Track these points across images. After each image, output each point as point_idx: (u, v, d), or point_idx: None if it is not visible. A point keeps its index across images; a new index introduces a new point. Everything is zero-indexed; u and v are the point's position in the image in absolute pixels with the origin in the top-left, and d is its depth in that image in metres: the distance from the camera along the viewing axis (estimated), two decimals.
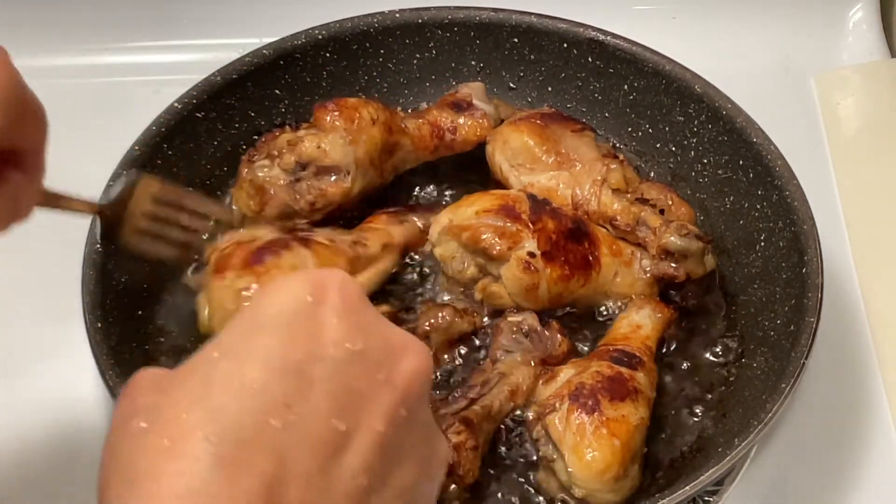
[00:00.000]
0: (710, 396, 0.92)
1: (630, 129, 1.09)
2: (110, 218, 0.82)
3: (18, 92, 0.62)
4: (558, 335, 0.90)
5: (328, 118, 0.96)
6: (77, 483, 0.92)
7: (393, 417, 0.48)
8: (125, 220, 0.84)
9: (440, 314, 0.90)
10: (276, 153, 0.97)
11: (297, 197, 0.96)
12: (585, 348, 0.93)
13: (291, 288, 0.49)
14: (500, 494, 0.85)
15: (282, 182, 0.97)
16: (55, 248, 0.93)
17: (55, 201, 0.78)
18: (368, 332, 0.50)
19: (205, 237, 0.89)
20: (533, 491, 0.85)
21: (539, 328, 0.90)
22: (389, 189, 1.03)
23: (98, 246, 0.90)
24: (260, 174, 0.97)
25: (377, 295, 0.95)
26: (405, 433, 0.49)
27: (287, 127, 1.02)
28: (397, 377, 0.50)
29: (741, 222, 0.99)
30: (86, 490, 0.92)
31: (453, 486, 0.79)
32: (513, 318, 0.91)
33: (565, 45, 1.07)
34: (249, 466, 0.43)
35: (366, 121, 0.97)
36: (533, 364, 0.89)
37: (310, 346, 0.48)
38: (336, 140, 0.96)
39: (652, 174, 1.07)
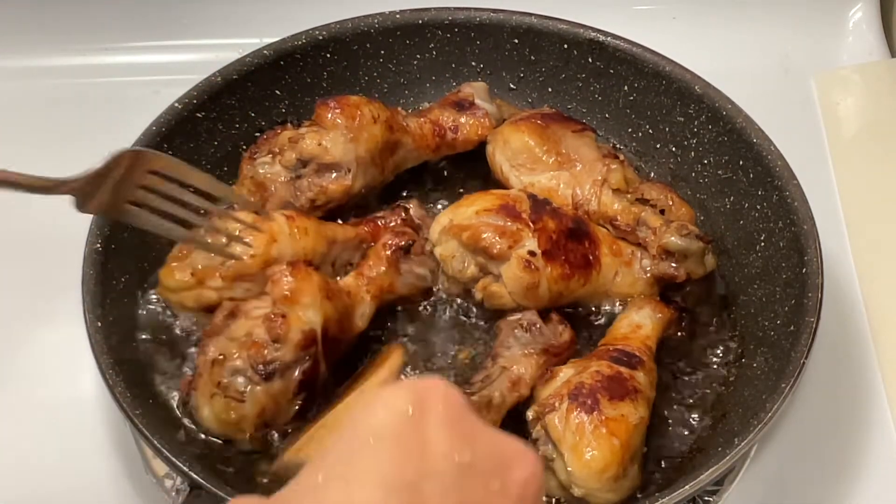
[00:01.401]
0: (710, 396, 0.92)
1: (630, 130, 1.09)
2: (86, 193, 0.77)
3: None
4: (559, 325, 0.90)
5: (330, 116, 0.96)
6: (77, 482, 0.93)
7: None
8: (109, 193, 0.79)
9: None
10: (277, 150, 0.97)
11: (298, 194, 0.96)
12: (584, 348, 0.93)
13: (392, 401, 0.48)
14: None
15: (283, 179, 0.97)
16: (55, 249, 0.94)
17: (19, 185, 0.73)
18: (476, 442, 0.49)
19: (203, 214, 0.85)
20: None
21: (539, 322, 0.90)
22: (390, 187, 1.03)
23: (98, 246, 0.90)
24: (261, 171, 0.97)
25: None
26: None
27: (289, 124, 1.02)
28: (511, 486, 0.49)
29: (741, 222, 0.99)
30: (86, 490, 0.92)
31: None
32: (512, 318, 0.91)
33: (565, 45, 1.08)
34: None
35: (367, 119, 0.97)
36: (535, 355, 0.88)
37: (418, 463, 0.46)
38: (337, 137, 0.96)
39: (652, 174, 1.07)
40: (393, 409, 0.48)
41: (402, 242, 0.93)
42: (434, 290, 0.96)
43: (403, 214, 0.98)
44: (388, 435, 0.47)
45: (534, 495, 0.50)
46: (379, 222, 0.98)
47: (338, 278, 0.93)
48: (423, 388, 0.49)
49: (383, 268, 0.92)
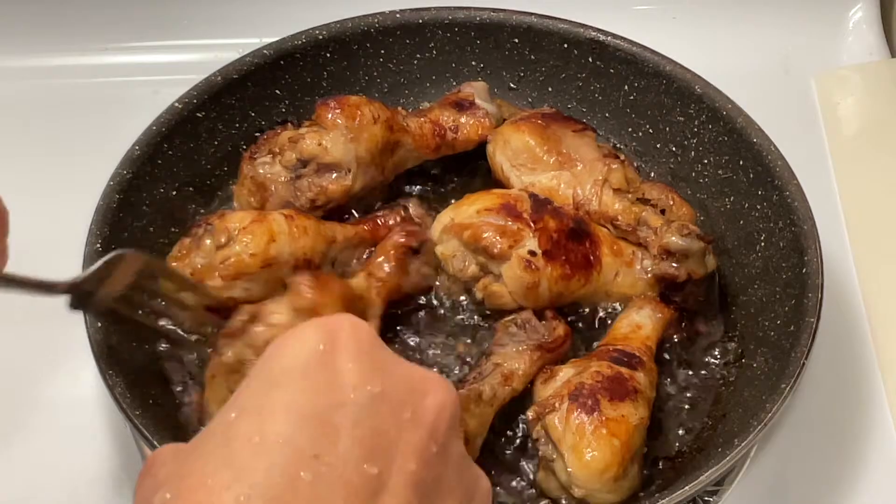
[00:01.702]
0: (709, 396, 0.92)
1: (630, 130, 1.09)
2: (83, 294, 0.77)
3: None
4: (553, 321, 0.90)
5: (330, 115, 0.96)
6: (77, 482, 0.93)
7: (424, 455, 0.48)
8: (102, 294, 0.79)
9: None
10: (277, 150, 0.97)
11: (298, 194, 0.96)
12: (584, 349, 0.93)
13: (302, 338, 0.49)
14: (499, 493, 0.85)
15: (283, 179, 0.97)
16: (55, 249, 0.93)
17: (19, 285, 0.73)
18: (387, 373, 0.49)
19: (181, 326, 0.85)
20: (533, 491, 0.85)
21: (532, 319, 0.90)
22: (391, 187, 1.03)
23: (98, 246, 0.90)
24: (261, 171, 0.97)
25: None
26: (440, 470, 0.49)
27: (289, 124, 1.02)
28: (423, 414, 0.49)
29: (741, 222, 0.99)
30: (86, 490, 0.92)
31: None
32: (508, 318, 0.91)
33: (566, 45, 1.08)
34: None
35: (367, 119, 0.97)
36: (529, 351, 0.88)
37: (329, 394, 0.47)
38: (337, 138, 0.96)
39: (652, 174, 1.07)
40: (303, 345, 0.48)
41: (414, 243, 0.93)
42: (433, 288, 0.96)
43: (403, 213, 0.98)
44: (299, 369, 0.47)
45: (447, 421, 0.50)
46: (378, 221, 0.98)
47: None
48: (332, 322, 0.49)
49: (393, 267, 0.92)
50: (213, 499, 0.43)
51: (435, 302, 0.96)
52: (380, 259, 0.92)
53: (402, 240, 0.93)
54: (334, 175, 0.97)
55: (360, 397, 0.47)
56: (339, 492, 0.44)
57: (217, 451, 0.45)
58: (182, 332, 0.83)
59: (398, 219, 0.98)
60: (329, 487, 0.44)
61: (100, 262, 0.77)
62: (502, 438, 0.87)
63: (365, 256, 0.97)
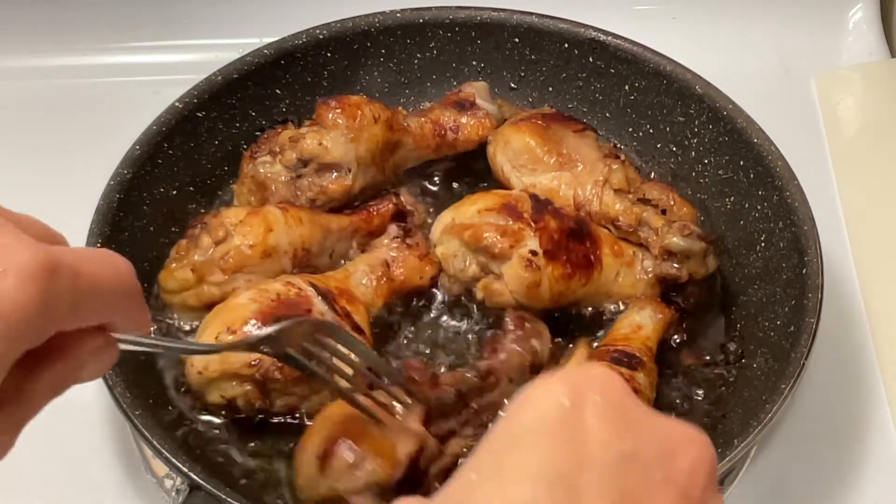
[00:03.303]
0: (709, 397, 0.92)
1: (631, 130, 1.09)
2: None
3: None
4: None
5: (330, 115, 0.96)
6: (77, 482, 0.93)
7: None
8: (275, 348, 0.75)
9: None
10: (277, 149, 0.97)
11: (298, 193, 0.97)
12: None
13: (547, 394, 0.46)
14: None
15: (283, 178, 0.97)
16: None
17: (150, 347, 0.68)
18: (638, 430, 0.46)
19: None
20: None
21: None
22: (391, 187, 1.03)
23: (98, 245, 0.90)
24: (261, 170, 0.97)
25: None
26: None
27: (290, 123, 1.02)
28: (677, 474, 0.45)
29: (742, 223, 0.99)
30: (86, 490, 0.92)
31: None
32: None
33: (566, 45, 1.08)
34: None
35: (368, 118, 0.97)
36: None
37: (575, 454, 0.44)
38: (338, 137, 0.96)
39: (653, 174, 1.07)
40: (548, 401, 0.45)
41: (403, 228, 0.96)
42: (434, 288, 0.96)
43: (395, 200, 0.99)
44: (544, 428, 0.44)
45: (703, 479, 0.46)
46: (371, 210, 0.99)
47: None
48: (580, 376, 0.46)
49: (388, 261, 0.94)
50: None
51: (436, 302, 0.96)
52: (374, 261, 0.94)
53: (393, 234, 0.95)
54: (334, 175, 0.97)
55: (608, 457, 0.44)
56: None
57: None
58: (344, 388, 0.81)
59: (390, 206, 0.99)
60: None
61: (275, 328, 0.73)
62: None
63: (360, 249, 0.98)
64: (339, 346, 0.76)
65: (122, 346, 0.55)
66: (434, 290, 0.96)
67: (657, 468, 0.45)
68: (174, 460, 0.79)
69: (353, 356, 0.77)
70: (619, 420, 0.45)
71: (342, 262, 0.97)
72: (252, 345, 0.72)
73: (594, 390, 0.46)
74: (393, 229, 0.97)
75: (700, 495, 0.46)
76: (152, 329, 0.83)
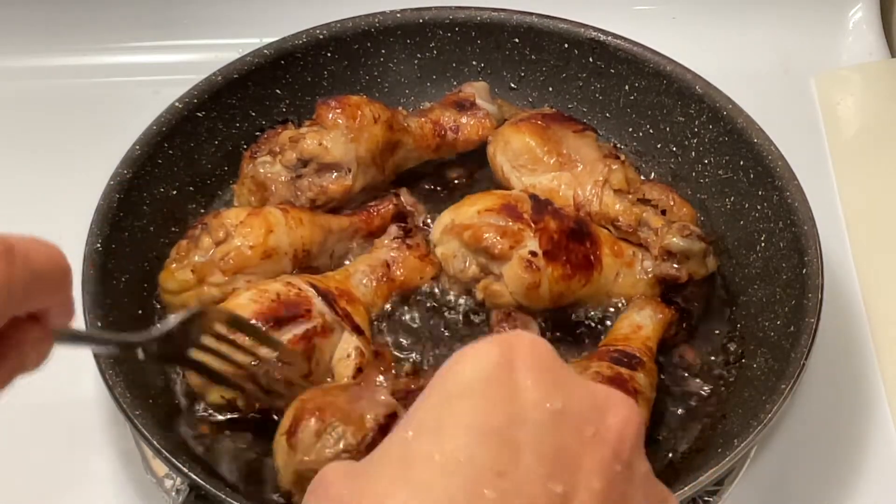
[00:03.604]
0: (709, 397, 0.92)
1: (631, 130, 1.09)
2: (157, 352, 0.74)
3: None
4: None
5: (331, 115, 0.96)
6: (77, 482, 0.93)
7: (609, 473, 0.46)
8: (182, 347, 0.77)
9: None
10: (278, 149, 0.97)
11: (298, 193, 0.97)
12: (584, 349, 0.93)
13: (479, 354, 0.47)
14: None
15: (283, 178, 0.97)
16: None
17: (84, 341, 0.71)
18: (567, 390, 0.47)
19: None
20: None
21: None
22: (391, 187, 1.03)
23: (98, 246, 0.90)
24: (261, 170, 0.97)
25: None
26: (624, 488, 0.47)
27: (290, 123, 1.02)
28: (606, 432, 0.47)
29: (742, 223, 0.99)
30: (86, 490, 0.92)
31: None
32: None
33: (566, 45, 1.08)
34: None
35: (368, 119, 0.97)
36: None
37: (510, 410, 0.45)
38: (338, 137, 0.96)
39: (653, 174, 1.07)
40: (481, 361, 0.47)
41: (404, 228, 0.96)
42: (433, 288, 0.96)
43: (395, 200, 0.99)
44: (477, 385, 0.46)
45: (631, 439, 0.48)
46: (371, 211, 0.99)
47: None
48: (510, 338, 0.48)
49: (388, 262, 0.94)
50: None
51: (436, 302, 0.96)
52: (375, 262, 0.94)
53: (395, 234, 0.95)
54: (334, 175, 0.97)
55: (542, 414, 0.46)
56: None
57: (394, 470, 0.44)
58: (260, 387, 0.82)
59: (390, 207, 0.99)
60: None
61: (177, 319, 0.74)
62: None
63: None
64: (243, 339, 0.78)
65: (57, 339, 0.58)
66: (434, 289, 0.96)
67: (588, 425, 0.47)
68: (174, 460, 0.79)
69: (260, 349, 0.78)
70: (550, 380, 0.47)
71: (342, 262, 0.97)
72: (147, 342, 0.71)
73: (525, 350, 0.47)
74: (393, 230, 0.97)
75: (628, 455, 0.47)
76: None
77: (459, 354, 0.48)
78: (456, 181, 1.06)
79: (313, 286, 0.88)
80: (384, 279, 0.93)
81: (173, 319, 0.74)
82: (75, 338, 0.64)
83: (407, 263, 0.95)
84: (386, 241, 0.96)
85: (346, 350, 0.87)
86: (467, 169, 1.07)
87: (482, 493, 0.42)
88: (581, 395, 0.48)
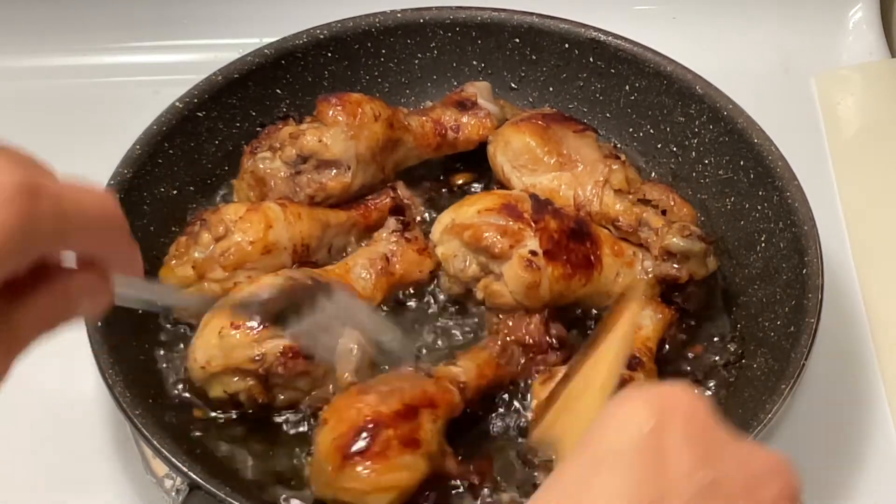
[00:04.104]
0: (709, 397, 0.92)
1: (631, 130, 1.09)
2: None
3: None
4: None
5: (331, 112, 0.97)
6: (77, 482, 0.93)
7: None
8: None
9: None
10: (278, 145, 0.97)
11: (297, 189, 0.97)
12: None
13: (629, 417, 0.45)
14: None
15: (282, 174, 0.97)
16: None
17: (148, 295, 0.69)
18: (721, 457, 0.45)
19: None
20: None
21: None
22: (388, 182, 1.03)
23: None
24: (261, 166, 0.97)
25: None
26: None
27: (290, 120, 1.02)
28: None
29: (742, 223, 0.99)
30: (86, 490, 0.92)
31: None
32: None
33: (566, 45, 1.08)
34: None
35: (368, 116, 0.97)
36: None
37: (657, 481, 0.43)
38: (338, 134, 0.96)
39: (653, 174, 1.07)
40: (631, 424, 0.45)
41: (402, 221, 0.96)
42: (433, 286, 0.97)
43: (392, 194, 1.00)
44: (626, 453, 0.44)
45: None
46: (369, 204, 0.99)
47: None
48: (663, 398, 0.46)
49: (387, 255, 0.94)
50: None
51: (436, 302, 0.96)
52: (374, 255, 0.94)
53: (393, 228, 0.96)
54: (334, 172, 0.97)
55: (691, 487, 0.44)
56: None
57: None
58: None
59: (388, 200, 0.99)
60: None
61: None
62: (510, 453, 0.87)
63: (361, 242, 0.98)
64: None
65: (119, 292, 0.56)
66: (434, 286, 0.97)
67: (740, 499, 0.44)
68: (174, 460, 0.79)
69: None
70: (703, 447, 0.45)
71: (341, 256, 0.97)
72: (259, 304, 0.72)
73: (678, 413, 0.45)
74: (391, 223, 0.97)
75: None
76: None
77: (607, 416, 0.46)
78: (456, 181, 1.06)
79: (314, 280, 0.88)
80: (383, 272, 0.94)
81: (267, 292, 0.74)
82: (136, 290, 0.63)
83: (406, 256, 0.95)
84: (384, 235, 0.96)
85: (347, 345, 0.87)
86: (467, 169, 1.07)
87: None
88: (737, 463, 0.45)
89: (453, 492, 0.82)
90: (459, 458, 0.82)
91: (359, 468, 0.77)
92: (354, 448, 0.77)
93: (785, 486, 0.46)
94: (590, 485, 0.44)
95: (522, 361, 0.88)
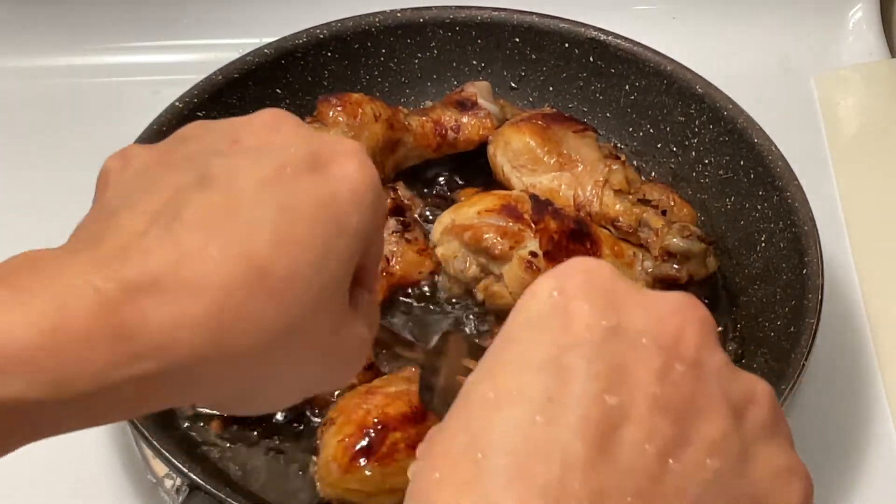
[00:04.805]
0: None
1: (631, 130, 1.09)
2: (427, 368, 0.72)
3: (380, 190, 0.52)
4: None
5: (331, 113, 0.97)
6: (76, 482, 0.93)
7: (669, 376, 0.43)
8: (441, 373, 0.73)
9: None
10: None
11: None
12: None
13: (534, 290, 0.46)
14: None
15: None
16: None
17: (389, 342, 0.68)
18: (623, 305, 0.45)
19: None
20: None
21: None
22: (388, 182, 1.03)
23: None
24: None
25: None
26: (691, 387, 0.44)
27: None
28: (662, 335, 0.45)
29: (742, 223, 0.99)
30: (85, 490, 0.92)
31: None
32: None
33: (566, 44, 1.08)
34: (526, 475, 0.40)
35: (368, 116, 0.97)
36: None
37: (562, 338, 0.44)
38: (338, 134, 0.96)
39: (653, 174, 1.07)
40: (536, 297, 0.46)
41: (402, 222, 0.96)
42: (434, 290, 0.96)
43: (392, 195, 1.00)
44: (532, 321, 0.45)
45: (695, 337, 0.45)
46: None
47: None
48: (565, 267, 0.46)
49: (387, 256, 0.94)
50: (454, 467, 0.41)
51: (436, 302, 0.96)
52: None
53: (393, 229, 0.95)
54: None
55: (594, 334, 0.44)
56: (576, 427, 0.41)
57: (456, 417, 0.44)
58: None
59: (388, 201, 0.99)
60: (565, 426, 0.42)
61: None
62: None
63: None
64: None
65: None
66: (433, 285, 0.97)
67: (643, 334, 0.44)
68: (174, 460, 0.79)
69: None
70: (604, 300, 0.45)
71: None
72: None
73: (578, 273, 0.46)
74: (391, 224, 0.97)
75: (694, 353, 0.45)
76: None
77: (523, 293, 0.47)
78: (456, 181, 1.06)
79: None
80: (383, 273, 0.94)
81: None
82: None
83: (405, 257, 0.95)
84: (384, 235, 0.96)
85: None
86: (467, 169, 1.07)
87: (533, 421, 0.42)
88: (640, 307, 0.45)
89: None
90: None
91: (365, 469, 0.77)
92: (361, 449, 0.77)
93: (692, 315, 0.46)
94: (499, 358, 0.45)
95: None
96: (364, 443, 0.78)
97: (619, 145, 1.09)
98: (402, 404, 0.79)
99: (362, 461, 0.77)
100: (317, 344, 0.49)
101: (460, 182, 1.06)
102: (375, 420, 0.79)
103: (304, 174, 0.47)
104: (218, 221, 0.45)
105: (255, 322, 0.45)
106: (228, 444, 0.87)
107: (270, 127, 0.50)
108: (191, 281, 0.43)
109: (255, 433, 0.87)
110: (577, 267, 0.46)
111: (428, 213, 1.01)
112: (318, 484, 0.81)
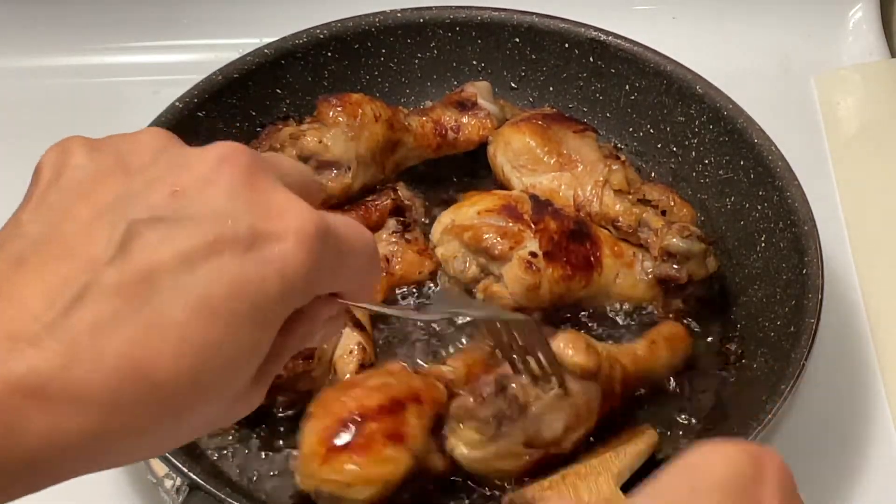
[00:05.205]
0: (709, 398, 0.92)
1: (631, 130, 1.09)
2: None
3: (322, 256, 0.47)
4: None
5: (331, 113, 0.97)
6: (76, 482, 0.92)
7: None
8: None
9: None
10: (278, 146, 0.97)
11: None
12: None
13: (731, 457, 0.49)
14: None
15: None
16: None
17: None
18: None
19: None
20: None
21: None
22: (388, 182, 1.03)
23: None
24: None
25: None
26: None
27: (290, 120, 1.02)
28: None
29: (742, 223, 0.99)
30: (86, 490, 0.92)
31: None
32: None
33: (566, 45, 1.08)
34: None
35: (368, 117, 0.97)
36: None
37: None
38: (338, 135, 0.96)
39: (653, 174, 1.07)
40: (732, 464, 0.49)
41: (402, 223, 0.96)
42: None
43: (393, 195, 1.00)
44: (727, 487, 0.48)
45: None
46: (369, 206, 0.99)
47: None
48: (762, 453, 0.50)
49: (387, 256, 0.94)
50: None
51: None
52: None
53: (393, 229, 0.95)
54: (334, 172, 0.97)
55: None
56: None
57: None
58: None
59: (388, 202, 0.99)
60: None
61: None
62: None
63: None
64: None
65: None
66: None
67: None
68: (174, 460, 0.79)
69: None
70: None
71: None
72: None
73: (774, 469, 0.49)
74: (391, 224, 0.97)
75: None
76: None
77: (709, 451, 0.49)
78: (456, 181, 1.06)
79: None
80: (383, 273, 0.94)
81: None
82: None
83: (406, 258, 0.95)
84: (384, 236, 0.96)
85: (348, 346, 0.87)
86: (467, 169, 1.07)
87: None
88: None
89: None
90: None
91: (342, 460, 0.77)
92: (338, 440, 0.77)
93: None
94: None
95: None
96: (341, 434, 0.78)
97: (619, 145, 1.09)
98: (381, 396, 0.79)
99: (340, 453, 0.77)
100: (206, 424, 0.47)
101: (460, 182, 1.06)
102: (353, 412, 0.78)
103: (236, 253, 0.42)
104: (121, 315, 0.41)
105: (141, 429, 0.43)
106: (228, 445, 0.87)
107: (216, 184, 0.45)
108: (77, 394, 0.40)
109: (256, 433, 0.87)
110: (774, 462, 0.50)
111: (428, 212, 1.01)
112: (297, 476, 0.81)
